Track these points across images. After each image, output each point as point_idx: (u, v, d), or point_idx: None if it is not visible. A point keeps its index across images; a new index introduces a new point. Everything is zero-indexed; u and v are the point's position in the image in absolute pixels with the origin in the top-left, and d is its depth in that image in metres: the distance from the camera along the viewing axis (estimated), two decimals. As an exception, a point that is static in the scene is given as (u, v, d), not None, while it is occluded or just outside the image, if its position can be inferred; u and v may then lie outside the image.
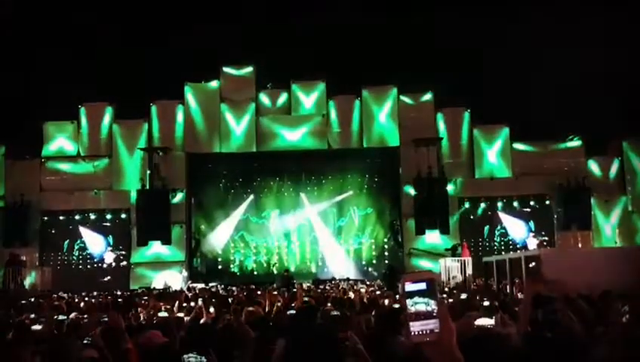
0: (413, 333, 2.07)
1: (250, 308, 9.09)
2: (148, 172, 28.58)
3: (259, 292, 16.45)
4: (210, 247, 31.02)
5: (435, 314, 2.07)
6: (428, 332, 2.06)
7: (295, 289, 17.40)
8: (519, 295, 12.07)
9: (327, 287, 20.07)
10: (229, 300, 13.15)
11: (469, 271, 24.16)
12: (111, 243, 28.99)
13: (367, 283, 23.55)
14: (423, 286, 2.08)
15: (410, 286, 2.09)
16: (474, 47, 27.91)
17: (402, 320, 2.10)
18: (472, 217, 29.10)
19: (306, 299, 11.29)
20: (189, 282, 26.78)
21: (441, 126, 29.65)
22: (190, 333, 6.12)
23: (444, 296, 12.95)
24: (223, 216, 31.06)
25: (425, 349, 2.07)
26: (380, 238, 31.20)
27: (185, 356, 3.95)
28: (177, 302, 12.86)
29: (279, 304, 11.22)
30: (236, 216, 31.15)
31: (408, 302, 2.08)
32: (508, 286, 16.82)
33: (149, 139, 29.64)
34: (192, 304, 11.87)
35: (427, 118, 29.44)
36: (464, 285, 21.74)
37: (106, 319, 5.48)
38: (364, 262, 30.99)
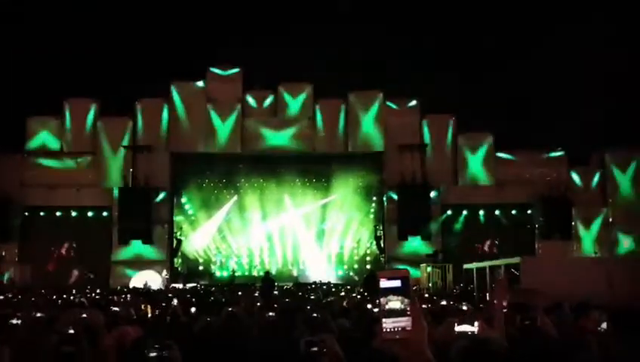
0: (385, 330, 2.09)
1: (230, 309, 8.73)
2: (131, 170, 28.55)
3: (240, 293, 16.34)
4: (192, 248, 30.82)
5: (408, 313, 2.09)
6: (399, 329, 2.08)
7: (276, 292, 17.75)
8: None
9: (308, 289, 20.29)
10: (211, 299, 13.14)
11: (450, 277, 24.47)
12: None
13: (348, 288, 23.07)
14: (397, 283, 2.10)
15: (384, 283, 2.10)
16: (461, 54, 28.68)
17: (375, 316, 2.08)
18: (454, 225, 29.23)
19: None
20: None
21: (426, 132, 29.74)
22: (158, 330, 6.08)
23: (427, 304, 12.75)
24: (206, 217, 31.02)
25: (395, 347, 2.09)
26: (362, 243, 31.25)
27: (148, 351, 3.89)
28: (157, 302, 12.26)
29: (259, 305, 10.93)
30: (219, 217, 31.04)
31: (382, 299, 2.09)
32: (488, 294, 16.48)
33: (133, 137, 29.43)
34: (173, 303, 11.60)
35: (412, 124, 29.55)
36: (444, 291, 21.84)
37: (85, 316, 5.46)
38: (345, 267, 31.05)
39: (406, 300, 2.09)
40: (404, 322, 2.09)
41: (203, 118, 29.35)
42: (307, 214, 31.26)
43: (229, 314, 7.62)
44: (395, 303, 2.09)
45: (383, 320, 2.09)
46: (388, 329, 2.09)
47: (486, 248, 28.63)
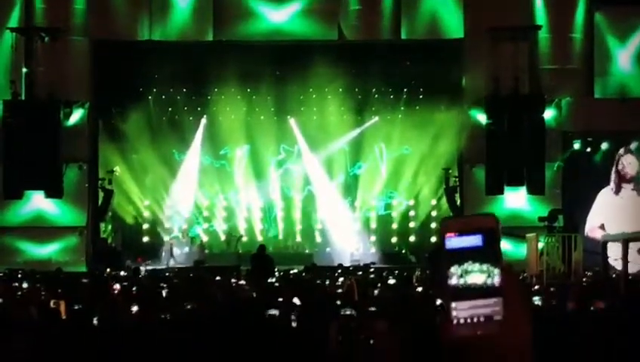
0: (457, 321, 2.06)
1: (189, 307, 10.15)
2: (24, 70, 28.75)
3: (217, 278, 17.63)
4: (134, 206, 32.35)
5: (497, 290, 2.06)
6: (483, 320, 2.05)
7: (274, 280, 18.46)
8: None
9: (329, 275, 20.97)
10: (164, 292, 14.20)
11: (579, 255, 23.84)
12: None
13: (400, 272, 23.54)
14: (476, 240, 2.07)
15: (453, 241, 2.09)
16: None
17: (442, 297, 2.27)
18: (587, 167, 29.60)
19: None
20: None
21: (539, 4, 29.53)
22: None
23: (537, 297, 13.28)
24: (152, 151, 31.95)
25: (475, 350, 2.08)
26: (424, 198, 32.32)
27: None
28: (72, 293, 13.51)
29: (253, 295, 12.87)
30: (191, 155, 32.63)
31: (451, 269, 2.07)
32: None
33: (26, 14, 29.43)
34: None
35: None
36: (568, 279, 21.85)
37: None
38: (394, 239, 32.30)
39: (495, 270, 2.03)
40: (490, 307, 2.04)
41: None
42: (329, 149, 32.41)
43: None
44: (474, 275, 2.05)
45: (453, 304, 2.06)
46: (463, 320, 2.04)
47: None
